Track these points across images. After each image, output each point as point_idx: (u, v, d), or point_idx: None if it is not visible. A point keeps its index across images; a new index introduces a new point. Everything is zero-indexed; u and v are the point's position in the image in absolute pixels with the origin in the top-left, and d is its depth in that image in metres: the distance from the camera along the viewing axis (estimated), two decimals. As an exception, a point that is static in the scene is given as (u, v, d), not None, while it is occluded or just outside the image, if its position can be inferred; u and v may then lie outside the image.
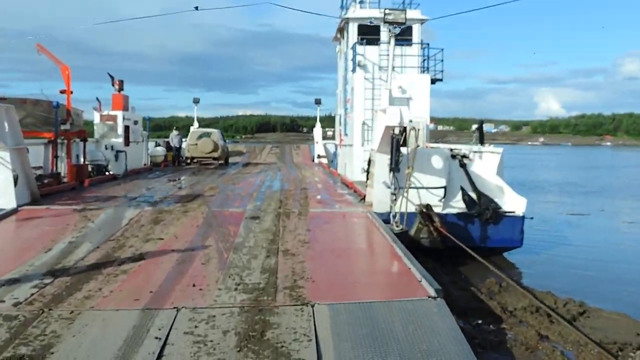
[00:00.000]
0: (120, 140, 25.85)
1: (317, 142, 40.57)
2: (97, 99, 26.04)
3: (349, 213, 14.39)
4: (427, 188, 14.14)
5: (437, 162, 14.92)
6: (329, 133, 41.26)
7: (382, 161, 14.08)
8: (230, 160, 38.91)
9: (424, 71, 25.16)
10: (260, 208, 14.64)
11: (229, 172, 28.05)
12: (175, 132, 34.00)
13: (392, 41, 15.23)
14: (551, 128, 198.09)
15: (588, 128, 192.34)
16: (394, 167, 13.32)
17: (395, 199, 13.65)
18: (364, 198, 16.32)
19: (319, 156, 39.66)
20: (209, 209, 14.23)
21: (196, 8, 23.26)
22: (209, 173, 27.31)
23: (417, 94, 24.10)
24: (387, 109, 13.59)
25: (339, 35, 28.52)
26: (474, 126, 18.96)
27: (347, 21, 25.63)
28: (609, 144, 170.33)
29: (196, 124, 40.15)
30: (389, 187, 13.95)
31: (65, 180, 21.57)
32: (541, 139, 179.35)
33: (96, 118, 25.73)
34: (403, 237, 12.62)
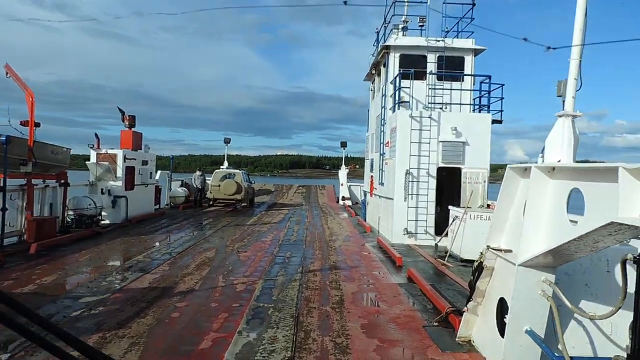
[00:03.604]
0: (119, 183, 16.52)
1: (342, 184, 30.94)
2: (96, 134, 16.82)
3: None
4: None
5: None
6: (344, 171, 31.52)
7: (531, 285, 4.40)
8: (257, 199, 29.45)
9: (479, 110, 15.48)
10: (250, 363, 5.06)
11: (246, 221, 18.50)
12: (198, 173, 24.61)
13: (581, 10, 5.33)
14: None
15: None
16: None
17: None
18: (446, 317, 6.68)
19: (343, 198, 30.14)
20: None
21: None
22: (223, 223, 17.80)
23: (473, 138, 14.47)
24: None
25: (373, 72, 19.03)
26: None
27: (386, 51, 16.09)
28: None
29: (226, 163, 30.76)
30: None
31: (24, 238, 12.39)
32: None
33: (92, 157, 16.47)
34: None
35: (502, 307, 5.26)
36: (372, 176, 19.07)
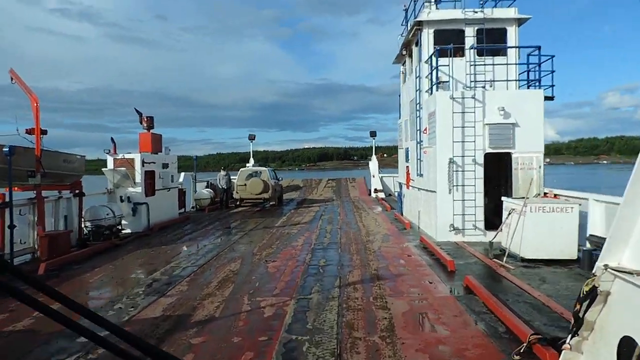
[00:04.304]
0: (139, 189, 15.46)
1: (373, 176, 29.31)
2: (112, 139, 15.78)
3: None
4: None
5: None
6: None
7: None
8: (286, 196, 28.20)
9: (528, 85, 13.70)
10: None
11: (274, 222, 17.23)
12: (222, 173, 23.48)
13: None
14: (555, 150, 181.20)
15: (586, 149, 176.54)
16: None
17: None
18: (529, 347, 5.18)
19: (375, 190, 28.52)
20: None
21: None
22: (250, 225, 16.58)
23: (524, 118, 12.73)
24: None
25: (403, 52, 17.37)
26: None
27: (419, 27, 14.44)
28: (605, 162, 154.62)
29: (252, 160, 29.57)
30: None
31: (37, 255, 11.41)
32: (547, 160, 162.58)
33: (109, 163, 15.46)
34: None
35: (627, 349, 3.74)
36: (407, 167, 17.49)
